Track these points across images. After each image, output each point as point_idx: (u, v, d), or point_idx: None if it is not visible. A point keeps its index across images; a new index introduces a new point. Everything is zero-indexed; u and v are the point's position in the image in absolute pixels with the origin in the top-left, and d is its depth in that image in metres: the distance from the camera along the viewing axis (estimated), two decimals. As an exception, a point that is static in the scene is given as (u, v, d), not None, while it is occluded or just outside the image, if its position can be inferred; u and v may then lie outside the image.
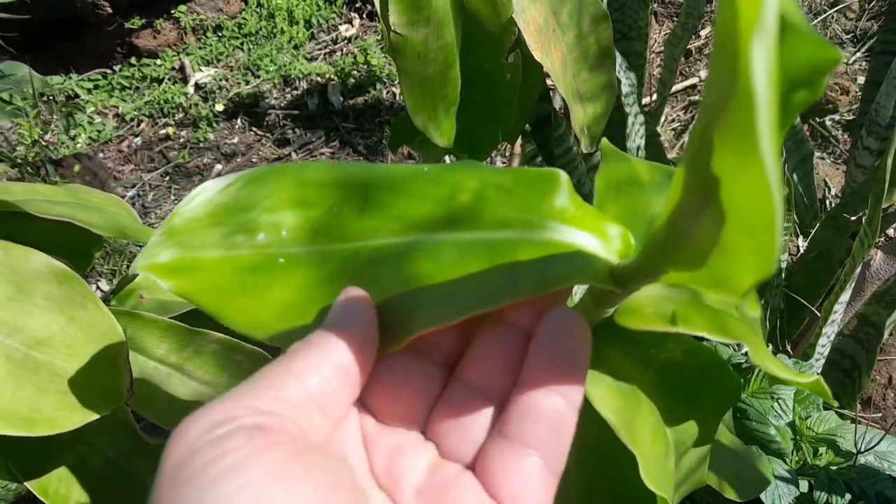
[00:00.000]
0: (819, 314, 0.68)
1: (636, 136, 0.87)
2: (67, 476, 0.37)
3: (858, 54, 1.50)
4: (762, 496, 0.48)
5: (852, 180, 0.85)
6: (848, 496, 0.47)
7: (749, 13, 0.11)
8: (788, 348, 0.78)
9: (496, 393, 0.23)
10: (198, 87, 1.62)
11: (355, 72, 1.59)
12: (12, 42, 1.44)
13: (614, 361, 0.27)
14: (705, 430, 0.29)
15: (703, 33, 1.59)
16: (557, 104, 0.93)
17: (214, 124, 1.55)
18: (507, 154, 1.13)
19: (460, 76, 0.48)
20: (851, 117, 1.37)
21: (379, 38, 1.69)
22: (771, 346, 0.59)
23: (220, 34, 1.71)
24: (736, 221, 0.14)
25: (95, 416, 0.31)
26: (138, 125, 1.58)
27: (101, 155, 1.52)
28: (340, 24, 1.77)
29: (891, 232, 1.17)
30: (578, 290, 0.44)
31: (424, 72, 0.48)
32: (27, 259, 0.29)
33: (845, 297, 0.60)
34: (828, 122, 1.38)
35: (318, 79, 1.61)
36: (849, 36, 1.55)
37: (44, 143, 1.44)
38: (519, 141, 0.83)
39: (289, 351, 0.22)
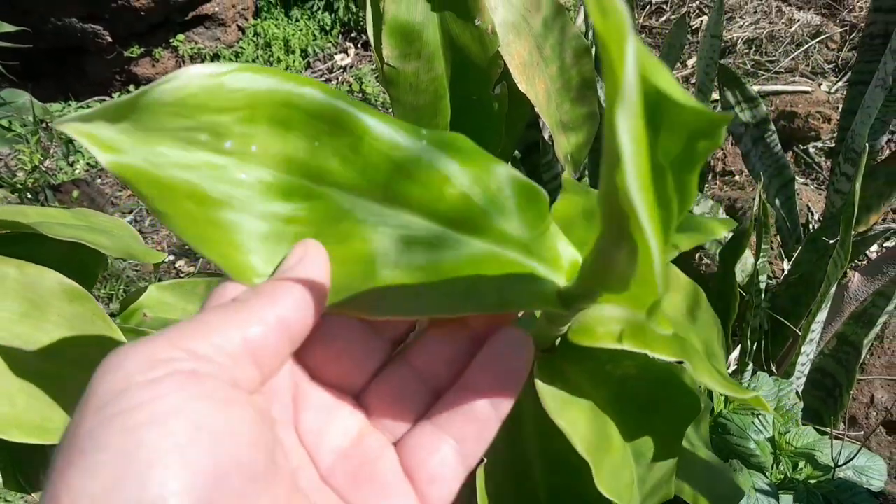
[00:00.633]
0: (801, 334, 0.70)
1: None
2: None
3: (840, 84, 1.54)
4: (743, 510, 0.49)
5: (832, 205, 0.88)
6: (826, 509, 0.49)
7: (613, 89, 0.14)
8: (773, 367, 0.80)
9: (435, 383, 0.24)
10: (195, 114, 1.64)
11: (350, 100, 1.62)
12: (13, 70, 1.46)
13: (572, 376, 0.28)
14: (667, 444, 0.30)
15: (689, 63, 1.64)
16: (547, 133, 0.96)
17: (211, 151, 1.57)
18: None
19: (450, 106, 0.51)
20: (833, 145, 1.41)
21: (373, 67, 1.73)
22: (752, 366, 0.61)
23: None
24: (642, 254, 0.16)
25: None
26: (136, 151, 1.60)
27: (98, 181, 1.54)
28: (336, 54, 1.81)
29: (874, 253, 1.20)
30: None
31: (416, 102, 0.51)
32: (42, 277, 0.31)
33: (822, 316, 0.62)
34: (811, 150, 1.42)
35: (314, 106, 1.63)
36: (831, 66, 1.60)
37: (43, 169, 1.46)
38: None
39: (240, 297, 0.21)
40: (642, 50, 0.13)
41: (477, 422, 0.23)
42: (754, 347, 0.75)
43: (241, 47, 1.77)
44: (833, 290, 0.59)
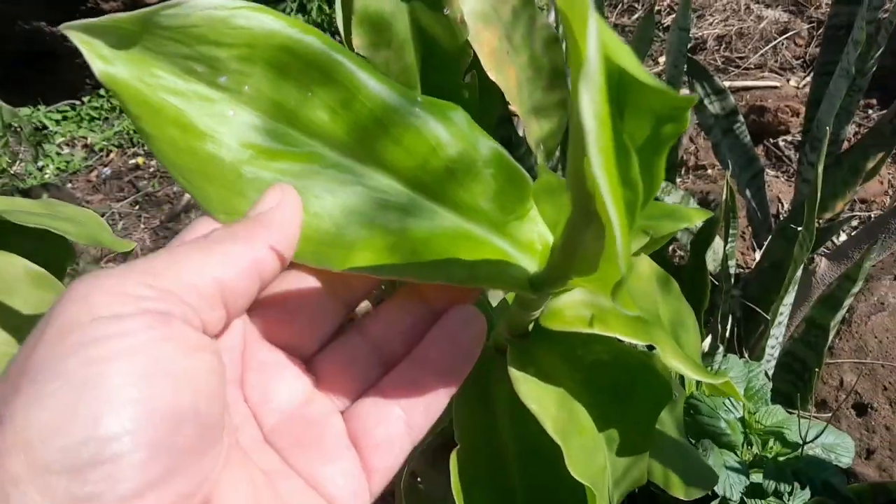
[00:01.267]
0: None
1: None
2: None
3: (808, 79, 1.57)
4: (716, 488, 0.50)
5: (800, 194, 0.90)
6: (796, 484, 0.50)
7: (576, 66, 0.14)
8: (745, 353, 0.82)
9: (388, 353, 0.24)
10: (168, 116, 1.63)
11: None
12: (-20, 74, 1.44)
13: (544, 361, 0.28)
14: (638, 428, 0.30)
15: (661, 60, 1.66)
16: (521, 129, 0.97)
17: (185, 153, 1.56)
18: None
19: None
20: (801, 137, 1.44)
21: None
22: (722, 349, 0.62)
23: (190, 65, 1.73)
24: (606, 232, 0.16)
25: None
26: (107, 155, 1.58)
27: (69, 185, 1.52)
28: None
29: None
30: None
31: (387, 92, 0.51)
32: (8, 264, 0.31)
33: (789, 299, 0.63)
34: (781, 143, 1.44)
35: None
36: (799, 61, 1.63)
37: (12, 174, 1.44)
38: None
39: (213, 235, 0.21)
40: (605, 29, 0.13)
41: (426, 395, 0.23)
42: (726, 334, 0.76)
43: (214, 49, 1.76)
44: (800, 272, 0.60)
